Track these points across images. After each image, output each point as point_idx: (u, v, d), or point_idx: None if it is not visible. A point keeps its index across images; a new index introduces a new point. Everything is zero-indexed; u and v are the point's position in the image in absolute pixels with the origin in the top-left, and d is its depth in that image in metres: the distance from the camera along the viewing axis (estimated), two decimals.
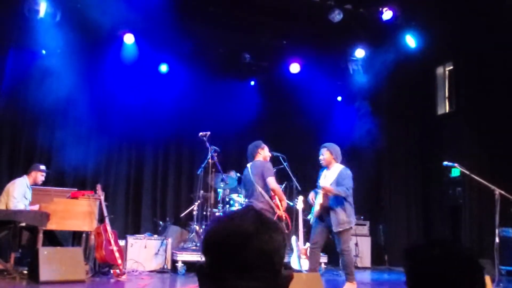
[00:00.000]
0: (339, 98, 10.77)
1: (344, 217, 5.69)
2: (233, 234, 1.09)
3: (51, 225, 6.29)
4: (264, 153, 6.09)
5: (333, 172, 5.94)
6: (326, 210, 5.78)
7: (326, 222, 5.80)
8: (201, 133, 5.39)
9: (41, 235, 6.10)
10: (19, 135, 8.61)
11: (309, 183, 7.43)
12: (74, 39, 8.12)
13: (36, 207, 6.49)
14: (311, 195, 5.99)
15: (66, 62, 8.23)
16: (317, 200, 5.88)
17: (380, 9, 8.37)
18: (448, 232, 9.31)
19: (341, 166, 5.98)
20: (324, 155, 6.00)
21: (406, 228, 9.93)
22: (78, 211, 6.54)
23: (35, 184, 6.82)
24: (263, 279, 1.06)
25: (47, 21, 7.87)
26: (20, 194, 6.51)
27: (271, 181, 5.70)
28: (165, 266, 7.35)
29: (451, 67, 9.81)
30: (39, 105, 8.45)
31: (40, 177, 6.81)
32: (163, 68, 9.62)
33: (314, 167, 7.15)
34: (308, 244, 6.84)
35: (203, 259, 1.15)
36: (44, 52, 8.43)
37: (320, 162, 6.06)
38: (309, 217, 6.16)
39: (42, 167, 6.90)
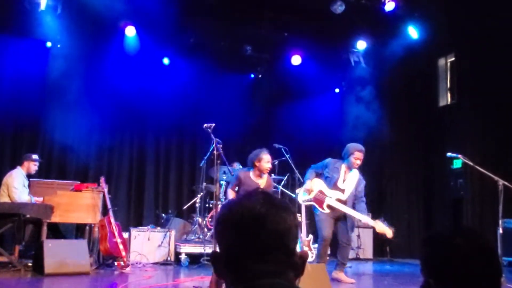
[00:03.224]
0: (337, 90, 10.79)
1: None
2: (245, 217, 1.07)
3: (55, 218, 6.31)
4: (259, 166, 5.82)
5: (353, 177, 6.06)
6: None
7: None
8: (205, 125, 5.36)
9: (45, 228, 6.13)
10: (21, 127, 8.60)
11: None
12: (75, 31, 8.10)
13: (40, 199, 6.50)
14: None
15: (68, 54, 8.22)
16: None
17: (383, 0, 8.33)
18: (449, 223, 9.33)
19: (357, 170, 6.10)
20: (361, 161, 6.03)
21: (408, 220, 9.96)
22: (82, 204, 6.55)
23: (28, 174, 6.81)
24: (278, 260, 1.06)
25: (48, 13, 7.84)
26: (20, 184, 6.53)
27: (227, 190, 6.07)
28: (169, 258, 7.37)
29: (453, 59, 9.78)
30: (40, 97, 8.45)
31: (33, 166, 6.80)
32: (165, 60, 9.60)
33: (316, 159, 7.15)
34: (311, 236, 6.88)
35: (217, 246, 1.15)
36: (49, 44, 8.40)
37: (355, 166, 6.01)
38: None
39: (35, 156, 6.90)
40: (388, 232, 5.67)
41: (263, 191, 1.16)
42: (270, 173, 6.27)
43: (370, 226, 5.92)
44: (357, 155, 5.95)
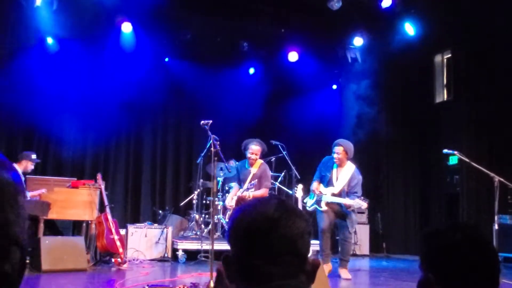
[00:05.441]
0: (334, 87, 10.80)
1: None
2: (257, 220, 1.09)
3: (52, 215, 6.31)
4: (247, 154, 6.27)
5: (346, 173, 6.14)
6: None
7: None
8: (202, 122, 5.35)
9: (42, 225, 6.12)
10: (17, 123, 8.56)
11: (309, 170, 7.46)
12: (71, 27, 8.06)
13: (40, 192, 6.47)
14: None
15: (64, 50, 8.18)
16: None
17: None
18: (445, 219, 9.37)
19: (353, 166, 6.19)
20: (340, 154, 6.11)
21: (404, 216, 10.00)
22: (78, 201, 6.56)
23: (24, 172, 6.76)
24: (289, 265, 1.07)
25: (44, 9, 7.80)
26: None
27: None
28: (166, 255, 7.38)
29: (449, 55, 9.80)
30: (36, 93, 8.41)
31: (30, 166, 6.73)
32: (162, 56, 9.57)
33: (312, 155, 7.18)
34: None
35: (229, 248, 1.16)
36: (47, 40, 8.35)
37: (334, 160, 6.15)
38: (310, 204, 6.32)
39: (34, 156, 6.82)
40: (363, 204, 5.91)
41: (278, 197, 1.18)
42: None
43: (355, 207, 6.08)
44: (333, 150, 6.18)
